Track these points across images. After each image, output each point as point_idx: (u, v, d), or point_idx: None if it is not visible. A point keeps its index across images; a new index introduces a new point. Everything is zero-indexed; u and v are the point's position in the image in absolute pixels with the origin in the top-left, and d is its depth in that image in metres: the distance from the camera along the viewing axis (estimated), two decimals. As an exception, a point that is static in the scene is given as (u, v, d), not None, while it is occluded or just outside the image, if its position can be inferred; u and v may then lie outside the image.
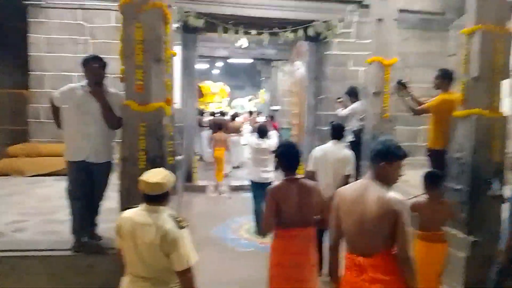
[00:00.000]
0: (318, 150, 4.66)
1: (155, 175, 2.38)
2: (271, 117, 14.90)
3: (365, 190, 2.33)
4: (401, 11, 6.42)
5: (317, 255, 3.24)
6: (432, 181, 3.64)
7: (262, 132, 6.35)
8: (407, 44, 8.87)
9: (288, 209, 2.96)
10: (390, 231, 2.23)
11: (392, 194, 2.26)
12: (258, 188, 5.86)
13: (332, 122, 5.65)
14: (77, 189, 3.61)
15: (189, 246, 2.35)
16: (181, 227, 2.35)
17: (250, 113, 16.83)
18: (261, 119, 14.77)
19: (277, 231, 3.05)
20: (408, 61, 8.89)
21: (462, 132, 4.26)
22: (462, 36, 4.34)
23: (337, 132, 4.67)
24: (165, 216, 2.37)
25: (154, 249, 2.29)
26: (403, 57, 8.26)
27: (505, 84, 4.23)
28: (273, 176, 6.06)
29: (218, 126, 9.97)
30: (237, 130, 12.20)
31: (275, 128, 13.30)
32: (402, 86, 5.00)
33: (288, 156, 3.10)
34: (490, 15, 4.03)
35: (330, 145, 4.63)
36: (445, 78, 4.66)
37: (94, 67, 3.61)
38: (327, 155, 4.50)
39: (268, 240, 4.16)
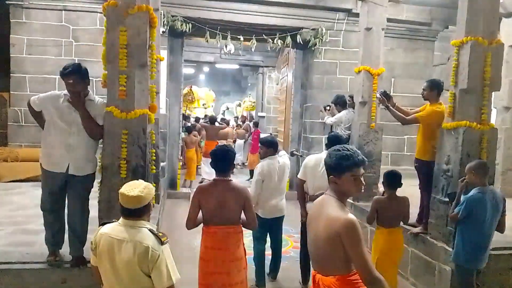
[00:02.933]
0: (310, 159, 4.59)
1: (134, 188, 2.25)
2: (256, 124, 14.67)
3: (321, 207, 2.14)
4: (388, 20, 6.44)
5: (243, 251, 3.34)
6: (391, 180, 3.99)
7: (272, 146, 4.59)
8: (393, 54, 8.92)
9: (209, 207, 3.20)
10: (344, 253, 2.01)
11: (338, 214, 2.02)
12: (269, 224, 4.47)
13: (331, 132, 5.64)
14: (51, 201, 3.40)
15: (170, 263, 2.23)
16: (162, 243, 2.22)
17: (237, 118, 16.58)
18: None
19: (203, 228, 3.32)
20: (394, 71, 8.93)
21: (449, 144, 4.22)
22: (448, 47, 4.32)
23: (332, 144, 4.57)
24: (145, 231, 2.23)
25: (132, 267, 2.16)
26: (389, 66, 8.30)
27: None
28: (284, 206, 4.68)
29: (187, 129, 10.65)
30: (230, 137, 12.30)
31: (258, 136, 13.18)
32: (385, 96, 5.02)
33: (220, 159, 3.27)
34: (480, 26, 4.01)
35: (323, 155, 4.54)
36: (433, 89, 4.62)
37: (68, 83, 3.33)
38: (318, 165, 4.43)
39: (250, 252, 4.14)
